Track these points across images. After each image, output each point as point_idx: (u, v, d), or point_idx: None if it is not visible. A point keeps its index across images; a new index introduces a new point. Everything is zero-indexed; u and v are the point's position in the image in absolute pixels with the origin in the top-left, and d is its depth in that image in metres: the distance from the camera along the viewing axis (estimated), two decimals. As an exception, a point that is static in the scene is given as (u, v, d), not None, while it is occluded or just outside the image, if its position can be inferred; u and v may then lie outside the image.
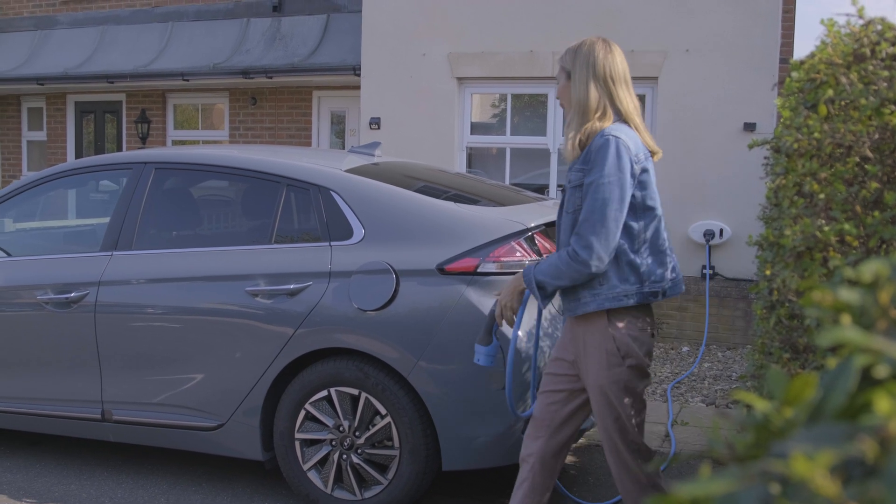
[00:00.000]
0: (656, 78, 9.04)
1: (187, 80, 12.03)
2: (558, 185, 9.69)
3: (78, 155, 14.00)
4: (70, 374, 4.82)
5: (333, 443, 4.39)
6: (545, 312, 4.26)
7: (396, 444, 4.26)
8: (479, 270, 4.18)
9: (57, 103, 14.08)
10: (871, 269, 0.93)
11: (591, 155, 3.24)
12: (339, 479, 4.40)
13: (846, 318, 0.90)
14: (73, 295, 4.75)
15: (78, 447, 5.50)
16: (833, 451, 0.72)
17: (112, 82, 12.52)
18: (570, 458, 5.34)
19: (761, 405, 0.86)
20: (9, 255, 5.21)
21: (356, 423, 4.33)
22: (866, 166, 2.58)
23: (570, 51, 3.46)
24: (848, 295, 0.91)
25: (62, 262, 4.97)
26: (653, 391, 6.91)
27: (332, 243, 4.43)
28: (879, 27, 2.80)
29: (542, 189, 9.65)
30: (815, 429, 0.78)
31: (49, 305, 4.80)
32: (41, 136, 14.46)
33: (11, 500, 4.72)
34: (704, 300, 8.66)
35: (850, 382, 0.82)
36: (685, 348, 8.53)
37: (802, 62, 2.94)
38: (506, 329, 3.88)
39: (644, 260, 3.28)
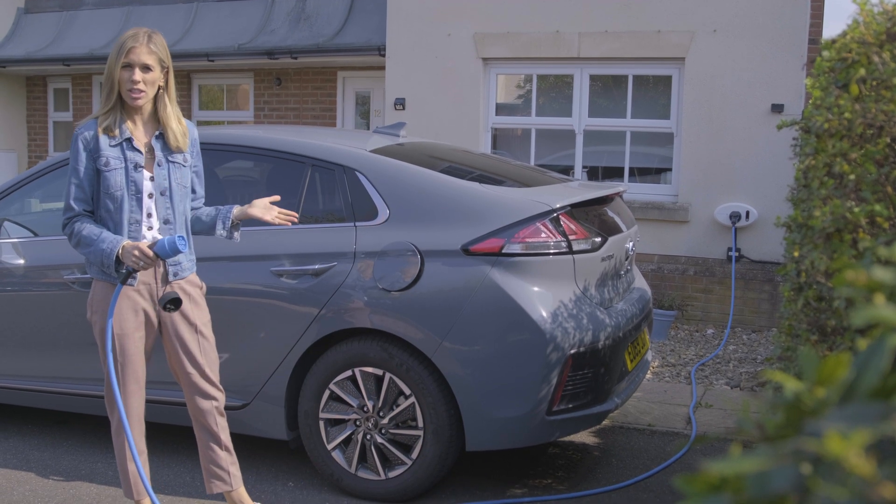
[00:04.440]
0: (683, 59, 8.97)
1: (212, 61, 12.05)
2: (584, 167, 9.65)
3: (104, 135, 14.04)
4: (96, 353, 4.85)
5: (358, 423, 4.40)
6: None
7: (420, 424, 4.27)
8: (503, 251, 4.17)
9: (83, 84, 14.15)
10: (905, 248, 0.92)
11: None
12: (363, 458, 4.42)
13: (880, 298, 0.89)
14: (99, 274, 4.77)
15: (104, 426, 5.55)
16: (868, 430, 0.71)
17: (138, 63, 12.54)
18: (594, 440, 5.34)
19: (793, 385, 0.85)
20: (36, 235, 5.24)
21: (380, 404, 4.34)
22: (897, 146, 2.55)
23: (160, 38, 3.79)
24: (882, 274, 0.89)
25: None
26: (677, 373, 6.89)
27: (357, 224, 4.43)
28: (912, 5, 2.76)
29: (567, 170, 9.62)
30: (848, 408, 0.77)
31: (76, 285, 4.83)
32: (67, 116, 14.54)
33: (39, 477, 4.77)
34: (730, 282, 8.62)
35: (883, 362, 0.81)
36: (710, 331, 8.49)
37: (834, 41, 2.90)
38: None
39: None
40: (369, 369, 4.33)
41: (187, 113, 13.29)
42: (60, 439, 5.34)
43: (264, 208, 3.93)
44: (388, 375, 4.30)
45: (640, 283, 5.37)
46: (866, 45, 2.70)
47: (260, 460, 4.91)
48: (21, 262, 5.02)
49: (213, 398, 3.92)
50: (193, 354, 3.87)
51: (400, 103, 10.23)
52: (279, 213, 3.95)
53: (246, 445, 5.11)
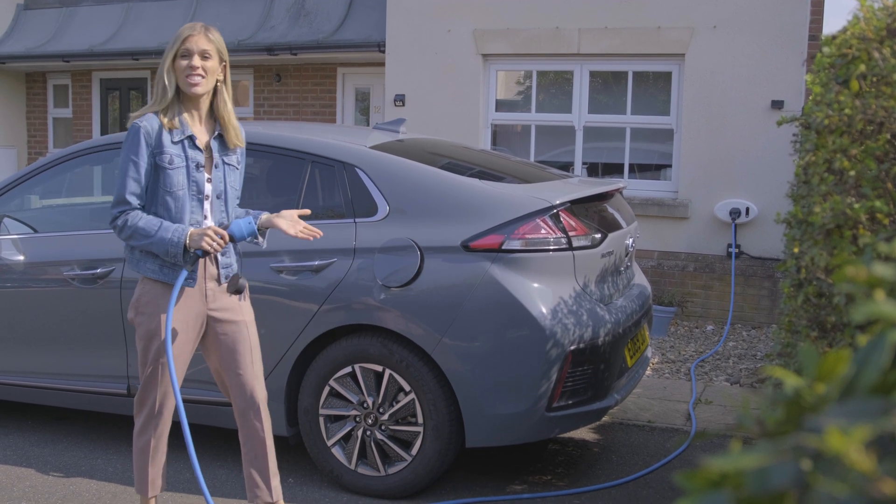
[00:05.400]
0: (683, 55, 8.96)
1: (212, 57, 12.01)
2: (583, 163, 9.65)
3: (103, 131, 14.06)
4: (96, 349, 4.86)
5: (357, 419, 4.40)
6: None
7: (420, 420, 4.27)
8: (503, 247, 4.17)
9: (82, 80, 14.14)
10: (905, 243, 0.91)
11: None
12: (362, 455, 4.42)
13: (880, 294, 0.89)
14: (99, 271, 4.77)
15: (104, 422, 5.55)
16: (868, 426, 0.71)
17: (137, 59, 12.55)
18: (593, 436, 5.34)
19: (793, 381, 0.85)
20: (35, 231, 5.24)
21: (380, 400, 4.34)
22: (898, 143, 2.55)
23: (218, 32, 3.77)
24: (882, 270, 0.89)
25: (88, 239, 5.00)
26: (677, 370, 6.89)
27: (357, 220, 4.43)
28: (913, 1, 2.75)
29: (567, 166, 9.61)
30: (848, 404, 0.77)
31: (75, 281, 4.83)
32: (67, 113, 14.53)
33: (39, 473, 4.77)
34: (730, 279, 8.62)
35: (883, 358, 0.81)
36: (710, 327, 8.49)
37: (834, 37, 2.90)
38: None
39: None
40: (369, 365, 4.33)
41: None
42: (60, 436, 5.34)
43: (291, 221, 3.75)
44: (387, 372, 4.30)
45: (640, 279, 5.37)
46: (866, 41, 2.70)
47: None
48: (21, 258, 5.02)
49: (261, 401, 3.81)
50: (243, 354, 3.77)
51: (400, 100, 10.22)
52: (304, 228, 3.75)
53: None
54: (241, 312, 3.80)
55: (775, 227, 8.16)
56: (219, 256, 3.72)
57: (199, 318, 3.73)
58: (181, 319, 3.66)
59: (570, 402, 4.27)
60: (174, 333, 3.64)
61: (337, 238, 4.42)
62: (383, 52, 10.61)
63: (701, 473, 0.77)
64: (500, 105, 10.17)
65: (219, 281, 3.74)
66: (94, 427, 5.48)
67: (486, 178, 4.61)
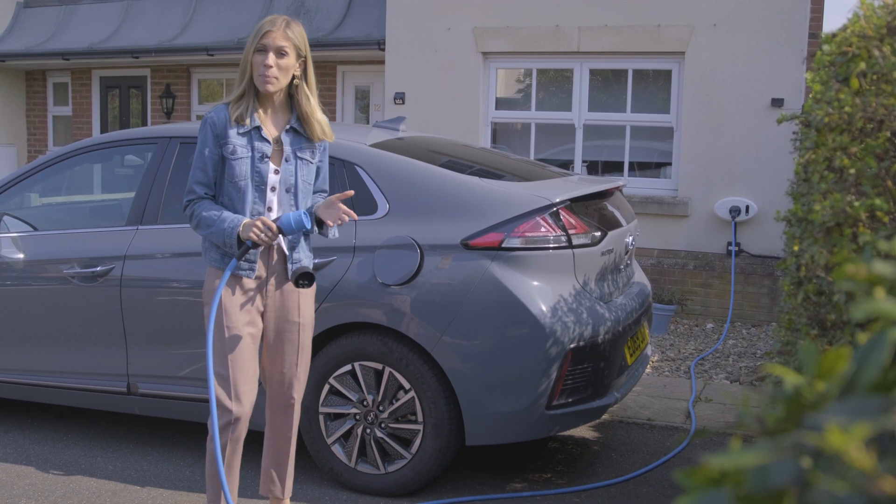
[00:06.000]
0: (683, 53, 8.96)
1: (212, 55, 12.02)
2: (583, 161, 9.64)
3: (103, 130, 14.06)
4: (96, 347, 4.85)
5: (357, 417, 4.40)
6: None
7: (420, 418, 4.27)
8: (503, 245, 4.17)
9: (82, 78, 14.13)
10: (906, 241, 0.91)
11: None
12: (362, 452, 4.42)
13: (880, 292, 0.89)
14: (98, 269, 4.77)
15: (104, 420, 5.55)
16: (868, 423, 0.71)
17: (137, 57, 12.54)
18: (593, 434, 5.34)
19: (793, 379, 0.85)
20: (35, 229, 5.23)
21: (380, 398, 4.34)
22: (898, 141, 2.54)
23: (299, 26, 3.72)
24: (882, 268, 0.89)
25: (88, 237, 4.99)
26: (676, 368, 6.89)
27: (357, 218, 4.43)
28: (913, -1, 2.75)
29: (566, 164, 9.61)
30: (848, 402, 0.77)
31: (75, 279, 4.83)
32: (67, 111, 14.52)
33: (39, 471, 4.77)
34: (730, 277, 8.62)
35: (883, 356, 0.81)
36: (709, 325, 8.49)
37: (834, 35, 2.90)
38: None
39: None
40: (369, 364, 4.33)
41: (186, 107, 13.28)
42: (60, 434, 5.34)
43: (331, 210, 3.60)
44: (387, 370, 4.30)
45: (640, 277, 5.37)
46: (867, 38, 2.70)
47: (259, 455, 4.91)
48: (21, 256, 5.02)
49: (297, 400, 3.80)
50: (289, 354, 3.75)
51: (399, 97, 10.22)
52: (344, 213, 3.57)
53: (246, 440, 5.11)
54: (298, 314, 3.76)
55: (775, 225, 8.17)
56: (286, 251, 3.67)
57: (260, 314, 3.71)
58: (238, 315, 3.62)
59: (570, 399, 4.27)
60: (237, 327, 3.61)
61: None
62: (383, 50, 10.61)
63: (701, 471, 0.77)
64: (500, 103, 10.17)
65: (285, 278, 3.71)
66: (94, 425, 5.48)
67: (486, 177, 4.61)
